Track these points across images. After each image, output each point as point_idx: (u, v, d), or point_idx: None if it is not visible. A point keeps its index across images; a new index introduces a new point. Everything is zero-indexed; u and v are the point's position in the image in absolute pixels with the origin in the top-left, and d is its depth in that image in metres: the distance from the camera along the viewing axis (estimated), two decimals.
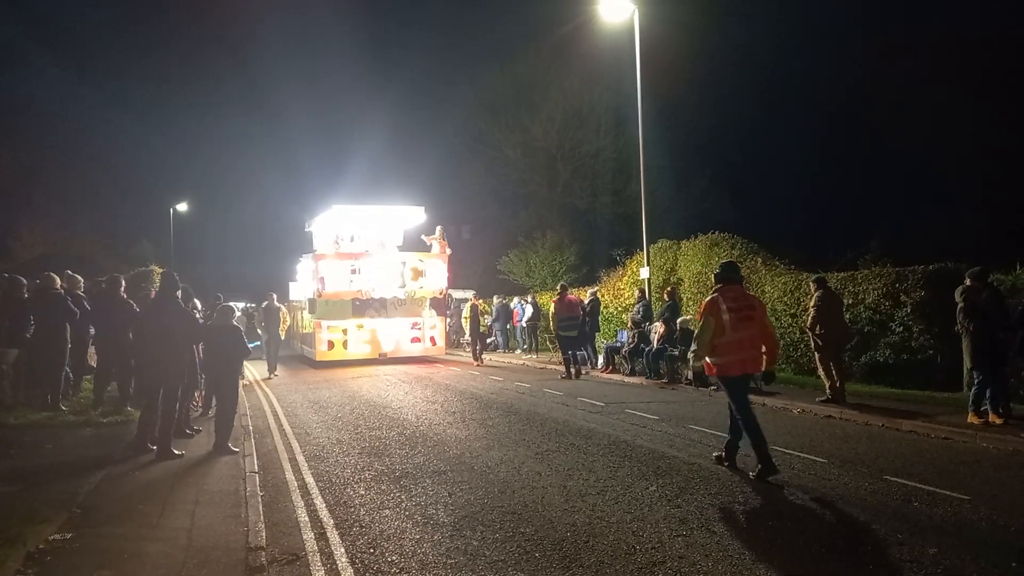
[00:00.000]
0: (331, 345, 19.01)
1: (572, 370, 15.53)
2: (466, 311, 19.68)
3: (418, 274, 20.32)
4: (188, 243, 47.59)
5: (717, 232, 17.80)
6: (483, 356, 20.06)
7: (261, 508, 6.01)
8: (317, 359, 19.05)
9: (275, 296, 18.62)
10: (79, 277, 10.90)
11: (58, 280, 10.12)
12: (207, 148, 71.30)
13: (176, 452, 7.77)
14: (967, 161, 32.09)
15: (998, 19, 36.82)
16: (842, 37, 44.10)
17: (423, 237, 21.72)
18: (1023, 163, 30.61)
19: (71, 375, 10.77)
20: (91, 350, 11.21)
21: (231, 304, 8.87)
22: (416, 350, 19.96)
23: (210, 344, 8.55)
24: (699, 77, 35.72)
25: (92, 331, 10.78)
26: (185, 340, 8.06)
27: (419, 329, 20.00)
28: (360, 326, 19.22)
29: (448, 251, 21.20)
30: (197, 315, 9.46)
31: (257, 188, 65.35)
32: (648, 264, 17.53)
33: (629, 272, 19.91)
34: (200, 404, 10.39)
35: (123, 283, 10.49)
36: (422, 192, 31.24)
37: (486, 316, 22.66)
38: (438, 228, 21.40)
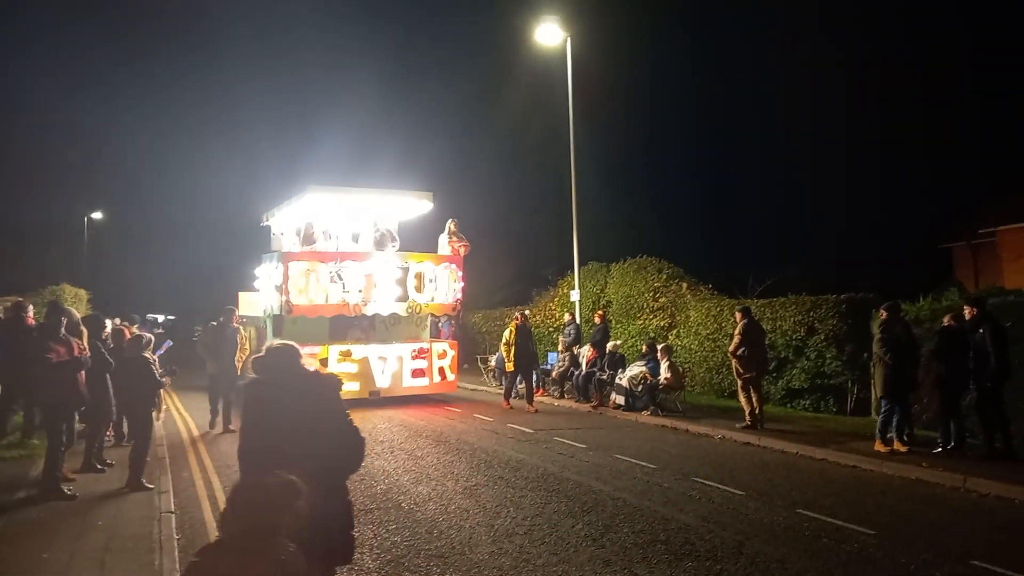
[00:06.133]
0: None
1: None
2: (507, 335, 14.65)
3: (423, 282, 15.56)
4: (111, 250, 45.05)
5: (645, 256, 18.27)
6: (533, 399, 14.40)
7: (177, 554, 5.79)
8: None
9: (235, 312, 13.72)
10: None
11: None
12: (135, 136, 66.39)
13: (67, 491, 7.32)
14: (882, 192, 34.04)
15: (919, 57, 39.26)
16: (769, 69, 46.14)
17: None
18: (924, 197, 32.67)
19: None
20: None
21: (143, 333, 8.54)
22: (420, 385, 15.16)
23: (121, 375, 8.19)
24: (630, 103, 36.79)
25: None
26: (69, 371, 7.39)
27: (424, 357, 15.22)
28: (345, 353, 14.43)
29: (464, 250, 16.43)
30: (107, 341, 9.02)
31: (194, 182, 61.00)
32: (578, 287, 17.79)
33: (560, 293, 20.17)
34: (112, 436, 9.93)
35: (30, 308, 9.95)
36: None
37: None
38: (450, 221, 16.67)
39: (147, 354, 8.23)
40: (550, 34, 17.65)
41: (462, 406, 14.68)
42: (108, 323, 10.35)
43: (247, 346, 14.31)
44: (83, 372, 7.43)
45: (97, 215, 39.76)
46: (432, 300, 15.64)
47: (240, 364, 13.57)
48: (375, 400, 14.42)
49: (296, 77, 71.77)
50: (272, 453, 3.47)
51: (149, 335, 8.86)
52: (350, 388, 14.19)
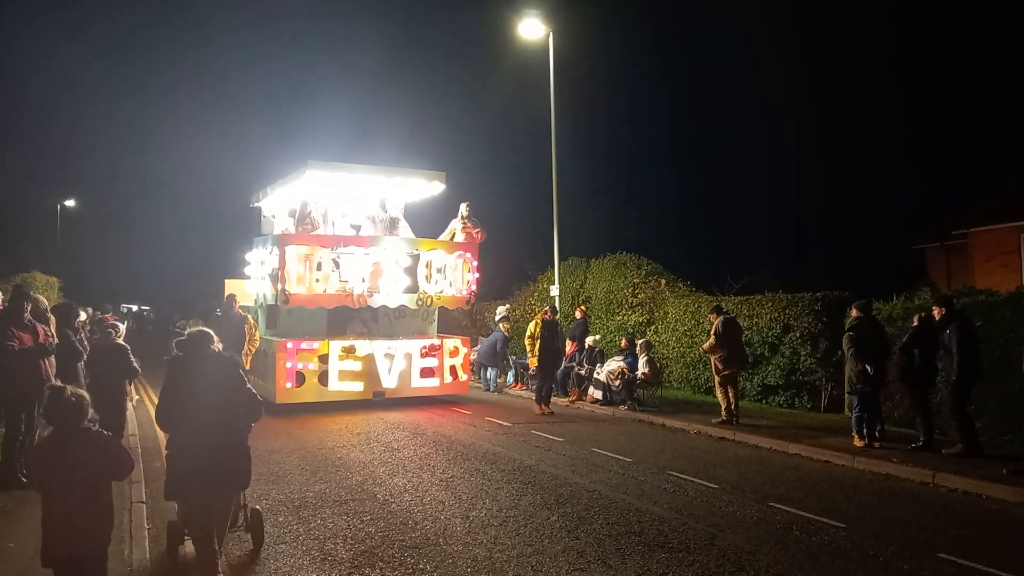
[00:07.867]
0: (300, 379, 12.64)
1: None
2: (532, 327, 13.43)
3: (434, 271, 14.20)
4: (85, 238, 44.31)
5: (624, 252, 18.33)
6: (547, 400, 13.10)
7: (148, 544, 5.73)
8: (277, 400, 12.38)
9: (236, 299, 12.76)
10: None
11: None
12: (112, 117, 65.23)
13: (23, 480, 7.19)
14: (858, 194, 34.53)
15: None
16: (751, 71, 46.55)
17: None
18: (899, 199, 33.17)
19: None
20: None
21: (115, 322, 8.44)
22: (430, 386, 13.80)
23: (96, 363, 8.10)
24: (612, 100, 36.96)
25: None
26: (32, 359, 7.20)
27: (435, 355, 13.88)
28: (348, 350, 13.00)
29: (480, 235, 14.98)
30: (81, 332, 8.90)
31: (176, 166, 59.72)
32: (558, 282, 17.80)
33: (540, 288, 20.17)
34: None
35: None
36: None
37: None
38: (463, 206, 15.26)
39: (120, 342, 8.15)
40: (532, 28, 17.59)
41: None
42: (82, 312, 10.22)
43: (257, 336, 13.04)
44: (51, 359, 7.29)
45: (70, 203, 39.12)
46: (443, 292, 14.23)
47: (249, 358, 12.42)
48: (379, 401, 13.11)
49: (286, 57, 70.63)
50: (184, 408, 4.67)
51: (120, 324, 8.74)
52: (352, 388, 12.99)
